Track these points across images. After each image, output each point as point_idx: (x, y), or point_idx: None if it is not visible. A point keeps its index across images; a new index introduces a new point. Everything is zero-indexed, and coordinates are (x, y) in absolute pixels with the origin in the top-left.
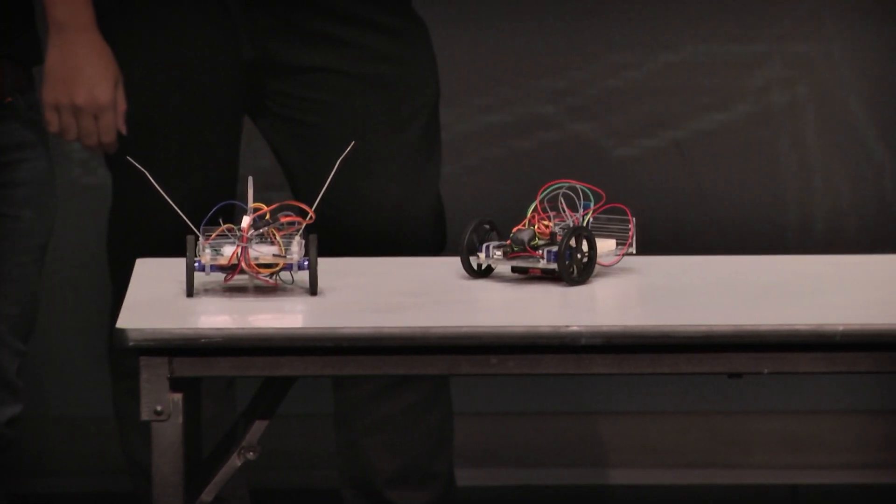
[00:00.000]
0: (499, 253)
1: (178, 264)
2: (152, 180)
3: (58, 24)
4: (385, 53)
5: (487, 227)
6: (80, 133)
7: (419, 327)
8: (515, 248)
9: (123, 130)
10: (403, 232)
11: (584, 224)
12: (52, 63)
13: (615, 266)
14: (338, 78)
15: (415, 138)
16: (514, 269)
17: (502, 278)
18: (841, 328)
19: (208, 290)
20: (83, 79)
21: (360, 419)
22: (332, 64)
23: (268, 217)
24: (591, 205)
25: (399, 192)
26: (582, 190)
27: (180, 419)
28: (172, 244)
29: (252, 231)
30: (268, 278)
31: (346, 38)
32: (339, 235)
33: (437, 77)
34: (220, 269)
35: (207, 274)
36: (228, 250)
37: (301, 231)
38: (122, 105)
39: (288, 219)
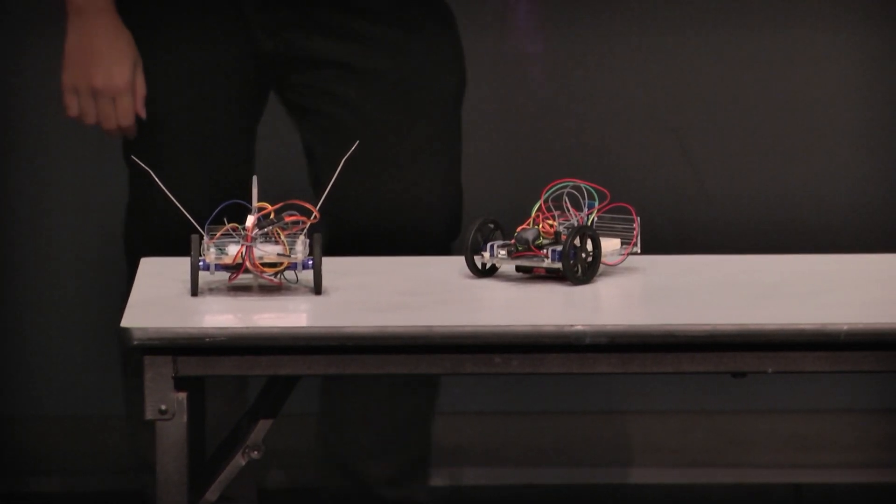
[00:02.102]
0: (503, 252)
1: (182, 263)
2: (157, 179)
3: (76, 8)
4: (404, 47)
5: (492, 226)
6: (98, 116)
7: (423, 326)
8: (520, 248)
9: (143, 114)
10: (416, 220)
11: (589, 223)
12: (71, 46)
13: (619, 265)
14: (354, 71)
15: (436, 131)
16: (518, 269)
17: (506, 277)
18: (845, 327)
19: (213, 290)
20: (101, 61)
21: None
22: (350, 58)
23: (272, 216)
24: (596, 204)
25: (417, 185)
26: (586, 189)
27: (185, 418)
28: (188, 238)
29: (256, 230)
30: (272, 277)
31: (363, 31)
32: (347, 229)
33: (462, 69)
34: (225, 268)
35: (212, 273)
36: (233, 249)
37: (305, 230)
38: (141, 89)
39: (292, 218)
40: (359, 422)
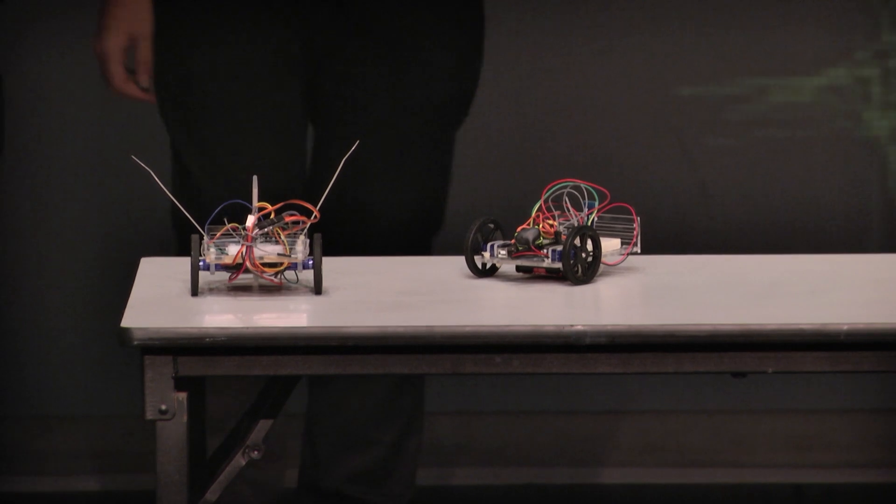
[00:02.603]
0: (503, 252)
1: (182, 263)
2: (157, 179)
3: None
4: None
5: (492, 226)
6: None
7: (424, 326)
8: (520, 248)
9: (143, 83)
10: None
11: (589, 223)
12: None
13: (620, 265)
14: (370, 79)
15: (431, 146)
16: (518, 269)
17: (507, 277)
18: (845, 327)
19: (213, 290)
20: (102, 29)
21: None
22: (371, 66)
23: (272, 216)
24: (596, 204)
25: (414, 192)
26: (586, 189)
27: (185, 418)
28: (228, 213)
29: (257, 230)
30: (272, 277)
31: (390, 44)
32: (345, 234)
33: (473, 87)
34: (225, 268)
35: (212, 273)
36: (233, 249)
37: (305, 230)
38: (143, 60)
39: (293, 218)
40: (333, 419)
